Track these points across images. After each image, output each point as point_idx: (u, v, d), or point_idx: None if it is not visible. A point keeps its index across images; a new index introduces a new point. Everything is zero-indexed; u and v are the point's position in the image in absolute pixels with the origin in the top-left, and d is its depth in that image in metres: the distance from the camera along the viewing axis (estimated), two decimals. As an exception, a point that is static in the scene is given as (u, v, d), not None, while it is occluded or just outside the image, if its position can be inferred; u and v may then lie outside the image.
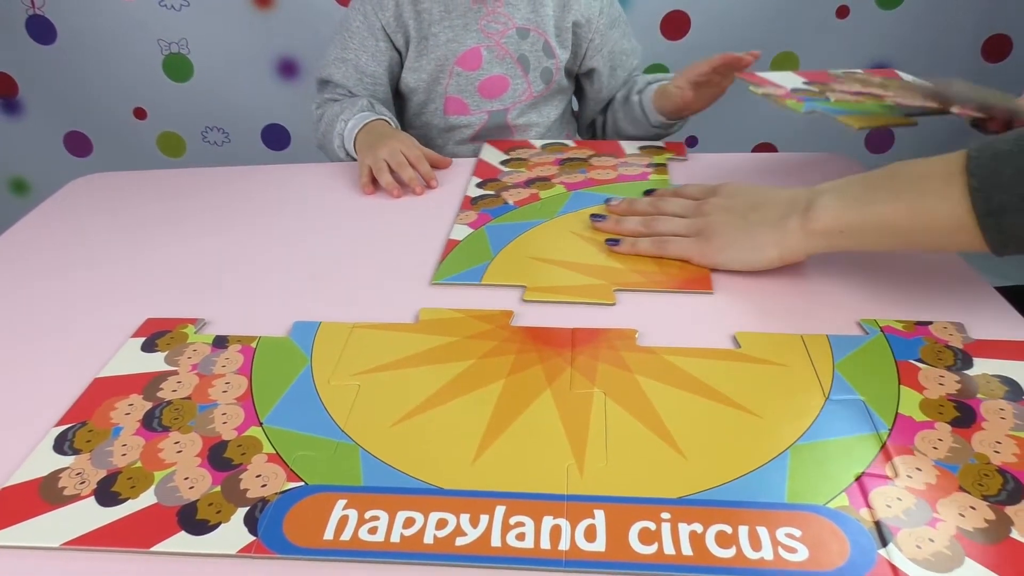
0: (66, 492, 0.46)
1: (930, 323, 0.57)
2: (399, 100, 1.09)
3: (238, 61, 1.66)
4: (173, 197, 0.87)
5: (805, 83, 0.83)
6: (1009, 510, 0.42)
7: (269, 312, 0.63)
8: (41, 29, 1.63)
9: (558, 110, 1.08)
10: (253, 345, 0.58)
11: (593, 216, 0.73)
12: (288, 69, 1.68)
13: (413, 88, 1.03)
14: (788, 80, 0.84)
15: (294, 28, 1.62)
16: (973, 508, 0.42)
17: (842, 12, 1.61)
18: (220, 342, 0.59)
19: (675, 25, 1.63)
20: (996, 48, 1.63)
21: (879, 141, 1.76)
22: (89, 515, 0.44)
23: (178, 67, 1.67)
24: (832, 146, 0.90)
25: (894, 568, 0.39)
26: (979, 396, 0.50)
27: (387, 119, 0.97)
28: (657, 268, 0.66)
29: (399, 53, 1.02)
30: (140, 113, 1.74)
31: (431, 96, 1.04)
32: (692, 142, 1.77)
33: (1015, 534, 0.40)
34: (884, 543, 0.40)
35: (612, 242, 0.69)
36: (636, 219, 0.70)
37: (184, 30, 1.64)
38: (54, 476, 0.47)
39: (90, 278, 0.71)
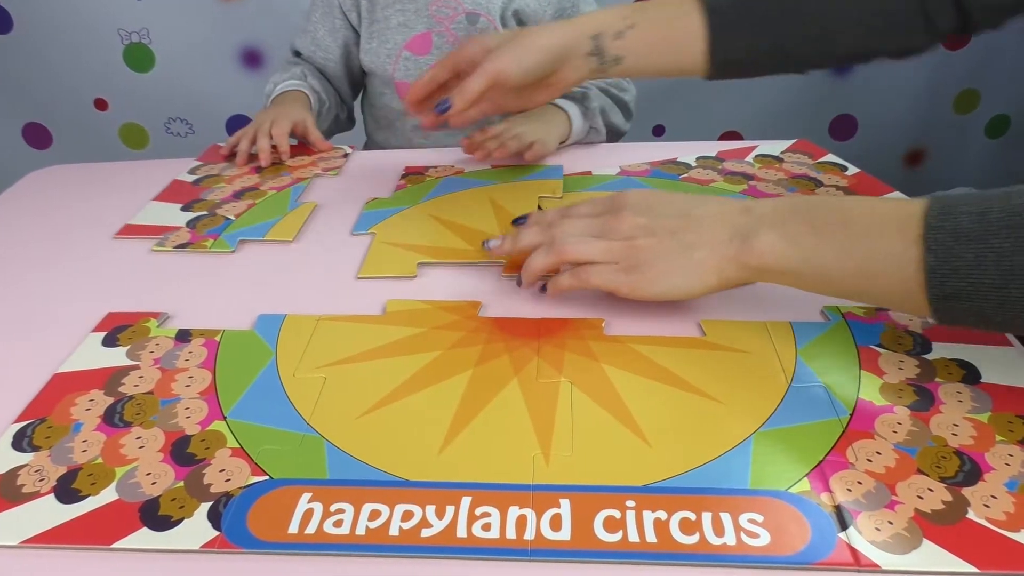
0: (25, 490, 0.45)
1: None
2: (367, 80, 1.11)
3: (201, 51, 1.64)
4: (134, 189, 0.85)
5: (184, 208, 0.79)
6: (966, 491, 0.42)
7: (233, 305, 0.62)
8: (-4, 17, 1.60)
9: None
10: (217, 338, 0.58)
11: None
12: (252, 59, 1.65)
13: (371, 71, 1.05)
14: (169, 216, 0.78)
15: (258, 17, 1.60)
16: (931, 490, 0.43)
17: None
18: (183, 336, 0.58)
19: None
20: (956, 36, 1.65)
21: (842, 128, 1.78)
22: (49, 512, 0.43)
23: (139, 57, 1.64)
24: (797, 133, 0.91)
25: (853, 551, 0.39)
26: (937, 380, 0.51)
27: (308, 91, 0.99)
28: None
29: (355, 33, 1.04)
30: (101, 104, 1.70)
31: (384, 80, 1.05)
32: (659, 131, 1.78)
33: (971, 515, 0.41)
34: (844, 526, 0.41)
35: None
36: (535, 229, 0.60)
37: (145, 19, 1.60)
38: (12, 473, 0.46)
39: (49, 272, 0.70)
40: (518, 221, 0.67)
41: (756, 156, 0.85)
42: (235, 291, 0.65)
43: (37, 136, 1.75)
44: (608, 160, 0.87)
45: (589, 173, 0.83)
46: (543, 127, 0.88)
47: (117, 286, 0.67)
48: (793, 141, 0.88)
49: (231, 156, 0.92)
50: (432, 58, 1.01)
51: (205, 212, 0.78)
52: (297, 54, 1.08)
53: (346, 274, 0.67)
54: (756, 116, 1.74)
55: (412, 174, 0.87)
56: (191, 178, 0.87)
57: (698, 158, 0.85)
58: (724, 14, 0.69)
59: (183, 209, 0.79)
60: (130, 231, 0.75)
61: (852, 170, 0.81)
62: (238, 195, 0.81)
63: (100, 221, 0.78)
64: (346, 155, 0.92)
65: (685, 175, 0.81)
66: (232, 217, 0.77)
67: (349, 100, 1.13)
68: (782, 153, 0.86)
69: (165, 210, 0.79)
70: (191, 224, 0.76)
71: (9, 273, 0.70)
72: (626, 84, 1.02)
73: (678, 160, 0.85)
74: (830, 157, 0.84)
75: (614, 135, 1.01)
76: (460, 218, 0.75)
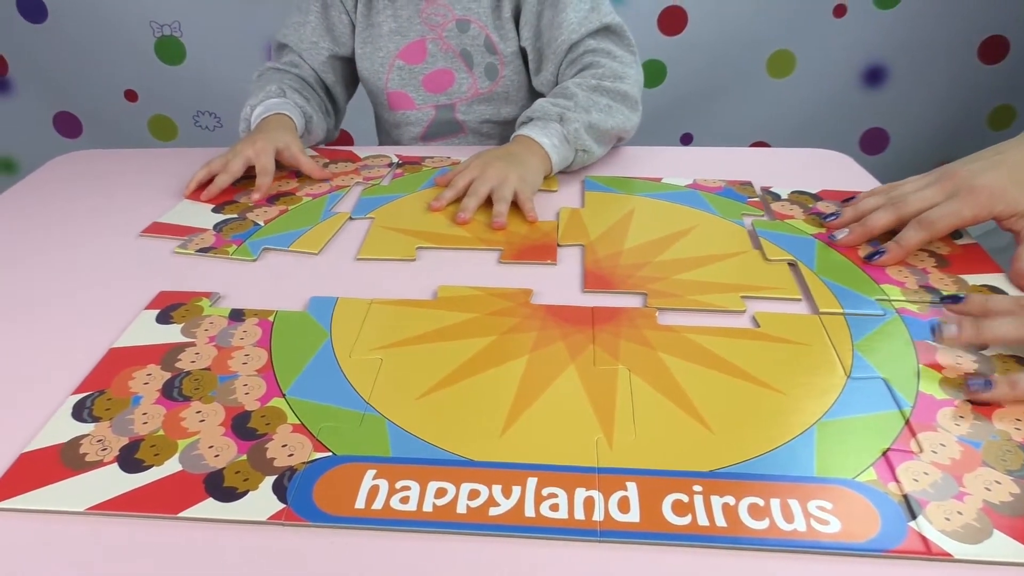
0: (88, 458, 0.45)
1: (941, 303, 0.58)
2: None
3: (231, 45, 1.64)
4: (166, 174, 0.85)
5: (215, 210, 0.77)
6: (1034, 485, 0.42)
7: (280, 288, 0.63)
8: (32, 7, 1.60)
9: (518, 111, 0.96)
10: (271, 319, 0.58)
11: (934, 330, 0.54)
12: (282, 55, 1.66)
13: (365, 79, 1.00)
14: (198, 217, 0.76)
15: (288, 13, 1.61)
16: (998, 482, 0.42)
17: (839, 11, 1.61)
18: (236, 315, 0.58)
19: (672, 21, 1.63)
20: (993, 49, 1.65)
21: (873, 141, 1.77)
22: (113, 481, 0.44)
23: (170, 50, 1.65)
24: (826, 145, 0.91)
25: (924, 539, 0.39)
26: (996, 375, 0.50)
27: (289, 114, 0.88)
28: (503, 238, 0.70)
29: (355, 28, 0.98)
30: (131, 95, 1.71)
31: (377, 89, 1.00)
32: (687, 139, 1.78)
33: (1041, 507, 0.41)
34: (913, 516, 0.41)
35: (979, 385, 0.49)
36: (1010, 322, 0.52)
37: (177, 12, 1.61)
38: (75, 442, 0.46)
39: (89, 252, 0.70)
40: (950, 301, 0.57)
41: None
42: (282, 274, 0.65)
43: (68, 125, 1.76)
44: (683, 166, 0.85)
45: (659, 180, 0.82)
46: (517, 169, 0.76)
47: (161, 266, 0.67)
48: None
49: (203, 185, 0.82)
50: (427, 66, 0.96)
51: (235, 216, 0.75)
52: (280, 47, 1.00)
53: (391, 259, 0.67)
54: (786, 127, 1.73)
55: (409, 163, 0.88)
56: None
57: (793, 192, 0.78)
58: None
59: (214, 210, 0.77)
60: (157, 229, 0.73)
61: (964, 239, 0.68)
62: (272, 200, 0.79)
63: (135, 203, 0.79)
64: (391, 164, 0.88)
65: (754, 199, 0.76)
66: (261, 223, 0.74)
67: (341, 103, 1.04)
68: None
69: (196, 210, 0.77)
70: (218, 227, 0.73)
71: (48, 253, 0.70)
72: (621, 70, 0.87)
73: (771, 190, 0.79)
74: None
75: (619, 139, 0.88)
76: (457, 206, 0.75)
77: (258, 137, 0.82)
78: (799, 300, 0.60)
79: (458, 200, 0.75)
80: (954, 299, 0.56)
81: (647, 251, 0.67)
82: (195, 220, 0.75)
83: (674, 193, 0.78)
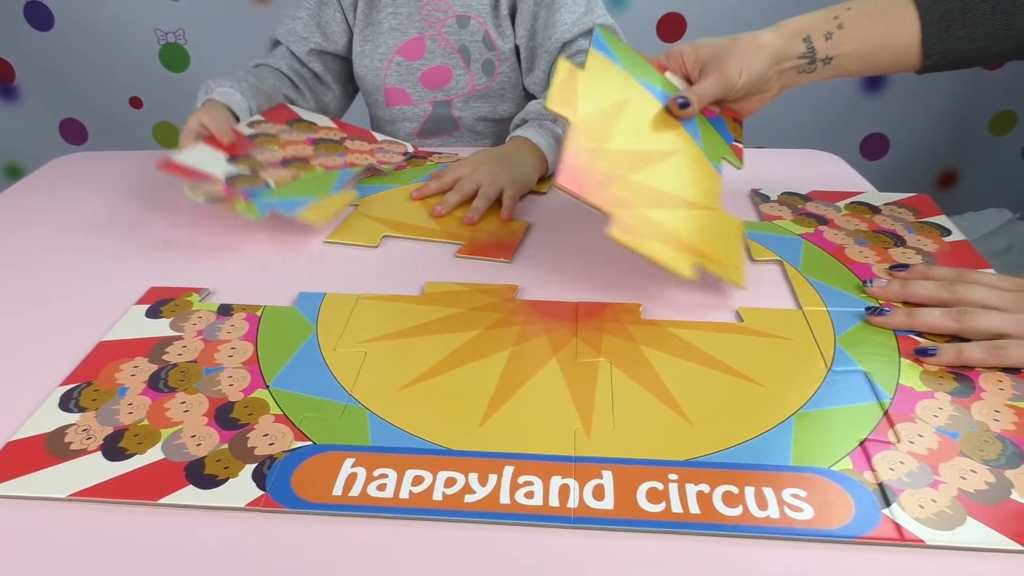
0: (72, 447, 0.46)
1: (928, 301, 0.58)
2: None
3: (235, 53, 1.64)
4: (162, 175, 0.86)
5: (230, 160, 0.77)
6: (1009, 474, 0.42)
7: (270, 284, 0.63)
8: (39, 15, 1.63)
9: (514, 108, 1.00)
10: (258, 313, 0.58)
11: (867, 282, 0.60)
12: (286, 62, 1.68)
13: (362, 76, 1.01)
14: (212, 163, 0.76)
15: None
16: (974, 471, 0.43)
17: None
18: (225, 310, 0.59)
19: (671, 27, 1.64)
20: None
21: (873, 147, 1.77)
22: (96, 468, 0.44)
23: (175, 57, 1.67)
24: (826, 150, 0.91)
25: (897, 526, 0.39)
26: (977, 368, 0.51)
27: (230, 104, 0.87)
28: (468, 233, 0.71)
29: (350, 32, 0.99)
30: (136, 102, 1.73)
31: (374, 87, 1.01)
32: None
33: (1015, 496, 0.41)
34: (887, 503, 0.41)
35: (874, 311, 0.56)
36: (932, 284, 0.57)
37: (181, 20, 1.64)
38: (60, 432, 0.47)
39: (84, 249, 0.71)
40: (897, 268, 0.62)
41: (851, 203, 0.75)
42: (272, 271, 0.66)
43: (73, 132, 1.79)
44: None
45: (664, 71, 0.76)
46: (509, 169, 0.77)
47: (154, 264, 0.67)
48: (910, 195, 0.76)
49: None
50: (425, 63, 0.97)
51: (247, 171, 0.76)
52: (274, 44, 1.01)
53: (382, 255, 0.68)
54: (785, 132, 1.72)
55: (417, 157, 0.89)
56: (248, 131, 0.83)
57: (783, 193, 0.78)
58: (940, 3, 0.64)
59: (228, 161, 0.77)
60: (172, 168, 0.74)
61: (954, 236, 0.68)
62: (286, 162, 0.79)
63: (133, 202, 0.80)
64: (406, 153, 0.88)
65: (737, 143, 0.73)
66: (272, 183, 0.75)
67: (335, 88, 1.03)
68: (884, 205, 0.75)
69: (212, 156, 0.77)
70: (230, 179, 0.74)
71: (45, 250, 0.71)
72: None
73: (760, 191, 0.78)
74: (939, 219, 0.71)
75: None
76: (439, 199, 0.76)
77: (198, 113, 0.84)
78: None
79: (443, 194, 0.77)
80: (902, 267, 0.62)
81: (626, 162, 0.61)
82: (210, 166, 0.75)
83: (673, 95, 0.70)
